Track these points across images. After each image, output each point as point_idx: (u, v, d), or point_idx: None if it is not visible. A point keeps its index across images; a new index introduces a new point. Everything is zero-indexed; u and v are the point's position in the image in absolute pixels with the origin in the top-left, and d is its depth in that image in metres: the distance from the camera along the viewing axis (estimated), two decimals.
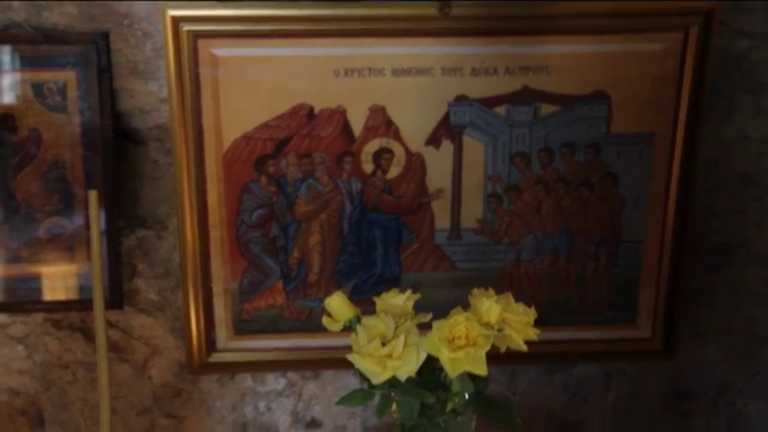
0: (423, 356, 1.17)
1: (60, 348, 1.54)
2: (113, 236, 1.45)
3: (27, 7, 1.37)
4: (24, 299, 1.47)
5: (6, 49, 1.37)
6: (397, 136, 1.45)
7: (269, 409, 1.61)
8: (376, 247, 1.50)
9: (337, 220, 1.48)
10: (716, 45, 1.44)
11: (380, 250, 1.50)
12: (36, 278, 1.46)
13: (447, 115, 1.45)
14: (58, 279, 1.47)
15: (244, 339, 1.53)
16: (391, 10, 1.37)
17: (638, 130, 1.48)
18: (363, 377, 1.20)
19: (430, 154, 1.46)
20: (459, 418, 1.24)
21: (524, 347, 1.21)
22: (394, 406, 1.23)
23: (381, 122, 1.44)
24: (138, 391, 1.57)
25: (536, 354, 1.27)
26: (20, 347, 1.53)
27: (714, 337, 1.63)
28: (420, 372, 1.18)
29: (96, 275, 1.34)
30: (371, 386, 1.21)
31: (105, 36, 1.38)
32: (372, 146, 1.45)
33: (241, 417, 1.60)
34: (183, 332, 1.52)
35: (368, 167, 1.47)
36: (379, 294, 1.28)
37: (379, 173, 1.47)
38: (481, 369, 1.15)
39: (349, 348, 1.19)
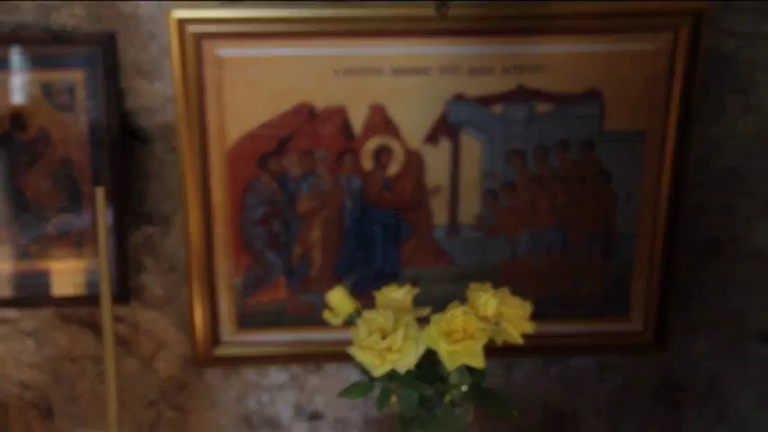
0: (421, 349, 1.17)
1: (69, 342, 1.53)
2: (120, 232, 1.44)
3: (36, 9, 1.36)
4: (34, 294, 1.47)
5: (16, 50, 1.36)
6: (396, 134, 1.44)
7: (272, 401, 1.60)
8: (375, 243, 1.49)
9: (338, 217, 1.48)
10: (706, 45, 1.43)
11: (380, 246, 1.50)
12: (45, 274, 1.46)
13: (445, 114, 1.44)
14: (66, 275, 1.46)
15: (247, 333, 1.52)
16: (390, 11, 1.37)
17: (630, 128, 1.47)
18: (364, 370, 1.19)
19: (428, 151, 1.45)
20: (456, 410, 1.23)
21: (520, 340, 1.20)
22: (393, 398, 1.22)
23: (381, 121, 1.43)
24: (144, 384, 1.56)
25: (532, 347, 1.26)
26: (30, 341, 1.52)
27: (704, 331, 1.62)
28: (419, 364, 1.17)
29: (103, 271, 1.33)
30: (372, 379, 1.20)
31: (112, 37, 1.37)
32: (372, 144, 1.44)
33: (245, 409, 1.59)
34: (189, 326, 1.51)
35: (368, 165, 1.46)
36: (378, 289, 1.27)
37: (378, 170, 1.46)
38: (478, 362, 1.15)
39: (350, 342, 1.19)
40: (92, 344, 1.53)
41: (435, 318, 1.18)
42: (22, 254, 1.44)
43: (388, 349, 1.15)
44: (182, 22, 1.34)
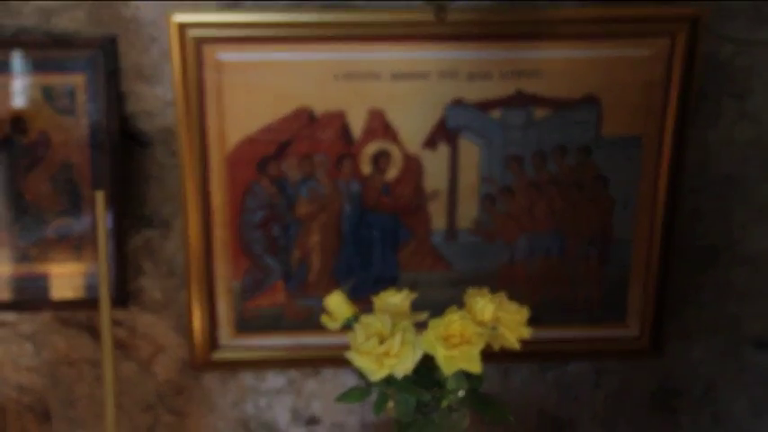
0: (419, 354, 1.14)
1: (67, 346, 1.50)
2: (119, 236, 1.42)
3: (37, 13, 1.35)
4: (33, 297, 1.45)
5: (17, 53, 1.34)
6: (395, 138, 1.43)
7: (269, 405, 1.58)
8: (374, 248, 1.48)
9: (336, 221, 1.46)
10: (702, 51, 1.42)
11: (378, 250, 1.48)
12: (44, 277, 1.44)
13: (443, 118, 1.42)
14: (65, 278, 1.44)
15: (245, 337, 1.50)
16: (389, 16, 1.36)
17: (627, 134, 1.45)
18: (361, 375, 1.17)
19: (427, 156, 1.44)
20: (453, 415, 1.21)
21: (517, 346, 1.18)
22: (391, 403, 1.20)
23: (380, 125, 1.42)
24: (142, 388, 1.54)
25: (528, 352, 1.24)
26: (28, 345, 1.50)
27: (700, 337, 1.61)
28: (416, 369, 1.15)
29: (103, 275, 1.31)
30: (369, 383, 1.18)
31: (113, 41, 1.36)
32: (371, 148, 1.43)
33: (242, 413, 1.57)
34: (187, 330, 1.49)
35: (366, 169, 1.44)
36: (376, 293, 1.24)
37: (377, 174, 1.44)
38: (475, 367, 1.13)
39: (347, 346, 1.16)
40: (90, 347, 1.50)
41: (433, 322, 1.15)
42: (22, 257, 1.42)
43: (386, 354, 1.13)
44: (182, 27, 1.33)
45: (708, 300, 1.59)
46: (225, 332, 1.49)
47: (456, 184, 1.46)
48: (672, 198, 1.48)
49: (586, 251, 1.50)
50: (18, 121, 1.37)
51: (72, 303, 1.46)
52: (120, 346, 1.50)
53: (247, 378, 1.56)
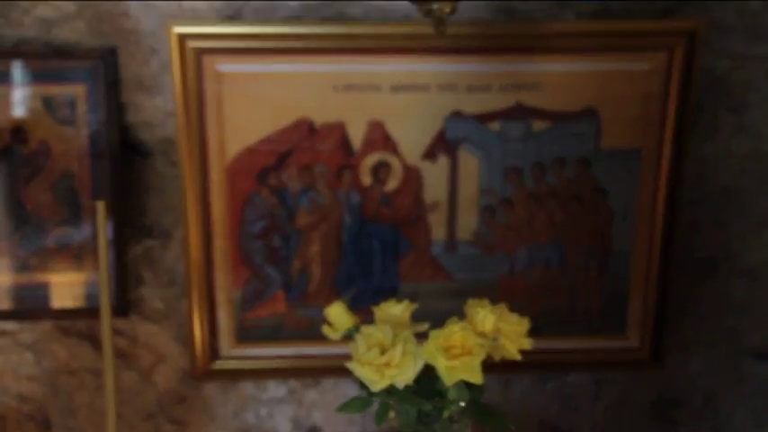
0: (420, 365, 1.13)
1: (68, 355, 1.48)
2: (120, 245, 1.40)
3: (38, 24, 1.33)
4: (33, 307, 1.43)
5: (17, 64, 1.33)
6: (394, 150, 1.41)
7: (270, 415, 1.55)
8: (374, 258, 1.46)
9: (337, 232, 1.44)
10: (700, 65, 1.40)
11: (378, 261, 1.46)
12: (45, 286, 1.42)
13: (443, 130, 1.40)
14: (65, 287, 1.42)
15: (246, 347, 1.48)
16: (389, 29, 1.34)
17: (626, 146, 1.44)
18: (362, 385, 1.16)
19: (426, 168, 1.42)
20: (454, 426, 1.19)
21: (518, 356, 1.17)
22: (392, 413, 1.19)
23: (380, 137, 1.40)
24: (143, 398, 1.52)
25: (529, 363, 1.22)
26: (28, 354, 1.48)
27: (700, 348, 1.58)
28: (417, 380, 1.14)
29: (103, 284, 1.29)
30: (370, 394, 1.17)
31: (113, 52, 1.34)
32: (371, 159, 1.41)
33: (243, 423, 1.55)
34: (187, 340, 1.47)
35: (366, 180, 1.42)
36: (377, 304, 1.23)
37: (377, 186, 1.43)
38: (476, 377, 1.12)
39: (348, 357, 1.15)
40: (90, 357, 1.48)
41: (434, 333, 1.14)
42: (22, 266, 1.41)
43: (387, 364, 1.12)
44: (182, 38, 1.31)
45: (707, 311, 1.56)
46: (225, 342, 1.47)
47: (455, 195, 1.44)
48: (670, 210, 1.46)
49: (586, 262, 1.48)
50: (18, 130, 1.36)
51: (72, 312, 1.44)
52: (120, 355, 1.48)
53: (248, 388, 1.53)
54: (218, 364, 1.48)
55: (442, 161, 1.42)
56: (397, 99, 1.38)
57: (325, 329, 1.22)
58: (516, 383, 1.57)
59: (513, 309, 1.20)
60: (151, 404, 1.52)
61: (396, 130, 1.40)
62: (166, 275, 1.46)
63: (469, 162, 1.43)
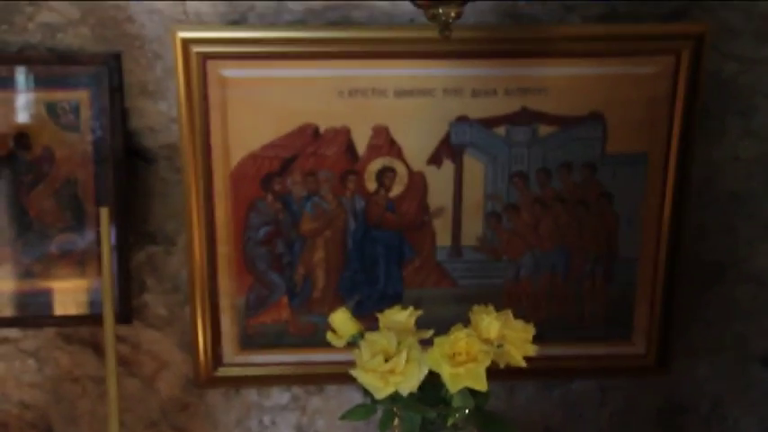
0: (424, 372, 1.13)
1: (70, 362, 1.48)
2: (123, 252, 1.40)
3: (42, 29, 1.33)
4: (36, 313, 1.42)
5: (21, 69, 1.33)
6: (399, 155, 1.40)
7: (273, 422, 1.55)
8: (378, 264, 1.45)
9: (341, 238, 1.43)
10: (706, 68, 1.40)
11: (383, 267, 1.45)
12: (47, 293, 1.41)
13: (448, 135, 1.40)
14: (68, 294, 1.42)
15: (249, 354, 1.48)
16: (394, 33, 1.34)
17: (632, 151, 1.43)
18: (366, 392, 1.15)
19: (431, 173, 1.42)
20: None
21: (523, 363, 1.16)
22: (396, 421, 1.19)
23: (384, 142, 1.40)
24: (146, 405, 1.51)
25: (534, 369, 1.22)
26: (31, 361, 1.47)
27: (706, 354, 1.58)
28: (422, 387, 1.14)
29: (106, 291, 1.29)
30: (374, 401, 1.16)
31: (117, 57, 1.34)
32: (375, 165, 1.41)
33: (246, 430, 1.54)
34: (191, 347, 1.46)
35: (371, 186, 1.42)
36: (381, 311, 1.23)
37: (381, 191, 1.42)
38: (481, 384, 1.12)
39: (352, 364, 1.15)
40: (93, 364, 1.48)
41: (438, 340, 1.14)
42: (25, 273, 1.40)
43: (391, 371, 1.12)
44: (186, 43, 1.31)
45: (714, 317, 1.56)
46: (229, 349, 1.47)
47: (461, 200, 1.43)
48: (677, 215, 1.45)
49: (592, 268, 1.48)
50: (22, 136, 1.36)
51: (75, 319, 1.43)
52: (123, 362, 1.47)
53: (251, 395, 1.53)
54: (222, 371, 1.47)
55: (448, 166, 1.42)
56: (402, 104, 1.38)
57: (330, 336, 1.22)
58: (521, 390, 1.56)
59: (518, 315, 1.20)
60: (154, 411, 1.52)
61: (400, 135, 1.39)
62: (170, 282, 1.46)
63: (475, 167, 1.42)
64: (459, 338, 1.12)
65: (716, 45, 1.41)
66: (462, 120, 1.39)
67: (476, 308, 1.22)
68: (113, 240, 1.37)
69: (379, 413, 1.20)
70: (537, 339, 1.18)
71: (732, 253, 1.53)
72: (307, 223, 1.43)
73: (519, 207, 1.44)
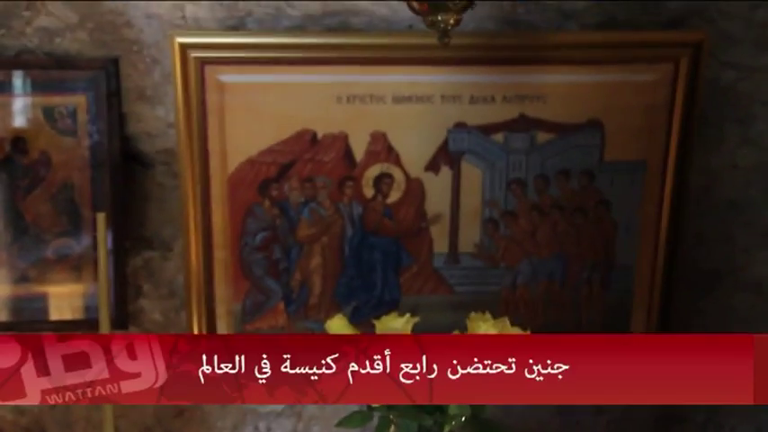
0: None
1: None
2: (120, 257, 1.40)
3: (39, 34, 1.33)
4: (31, 318, 1.42)
5: (18, 74, 1.33)
6: (397, 161, 1.41)
7: (269, 429, 1.55)
8: (376, 271, 1.45)
9: (338, 244, 1.44)
10: (705, 76, 1.40)
11: (380, 273, 1.46)
12: (43, 298, 1.41)
13: (446, 142, 1.40)
14: (64, 299, 1.42)
15: None
16: (393, 39, 1.35)
17: (630, 158, 1.44)
18: None
19: (429, 179, 1.42)
20: None
21: None
22: (392, 428, 1.20)
23: (382, 148, 1.40)
24: (140, 411, 1.51)
25: None
26: None
27: None
28: None
29: (102, 296, 1.29)
30: (370, 408, 1.18)
31: (115, 62, 1.34)
32: (373, 171, 1.41)
33: None
34: None
35: (368, 192, 1.42)
36: (378, 317, 1.24)
37: (379, 197, 1.42)
38: None
39: None
40: None
41: None
42: (21, 277, 1.40)
43: None
44: (184, 48, 1.31)
45: (711, 325, 1.56)
46: None
47: (458, 207, 1.44)
48: (675, 223, 1.46)
49: (589, 275, 1.48)
50: (19, 141, 1.36)
51: (71, 324, 1.42)
52: None
53: None
54: None
55: (445, 173, 1.42)
56: (400, 110, 1.38)
57: None
58: None
59: (515, 322, 1.21)
60: (149, 417, 1.51)
61: (398, 142, 1.40)
62: (166, 287, 1.46)
63: (472, 174, 1.42)
64: None
65: (714, 53, 1.42)
66: (460, 126, 1.40)
67: (473, 315, 1.23)
68: (110, 245, 1.36)
69: (376, 421, 1.21)
70: None
71: (729, 261, 1.53)
72: (304, 229, 1.43)
73: (517, 214, 1.45)
